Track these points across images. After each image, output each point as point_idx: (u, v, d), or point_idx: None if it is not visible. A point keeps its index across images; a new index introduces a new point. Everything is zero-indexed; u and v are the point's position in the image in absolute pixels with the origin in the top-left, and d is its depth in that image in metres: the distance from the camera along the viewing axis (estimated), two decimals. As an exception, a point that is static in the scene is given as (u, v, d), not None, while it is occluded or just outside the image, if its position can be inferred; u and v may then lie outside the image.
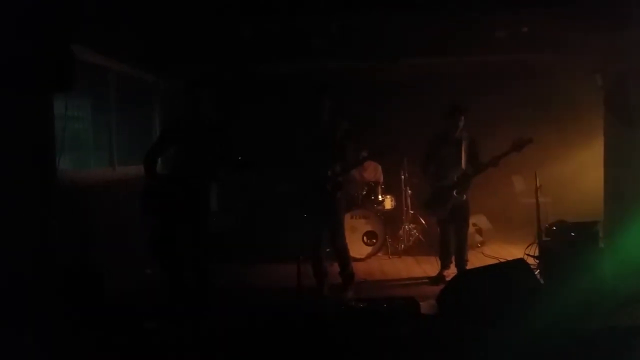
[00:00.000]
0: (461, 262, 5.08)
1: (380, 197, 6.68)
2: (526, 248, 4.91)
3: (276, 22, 5.17)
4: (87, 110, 5.43)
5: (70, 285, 3.77)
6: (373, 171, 6.89)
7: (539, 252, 4.64)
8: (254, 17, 4.93)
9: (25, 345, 3.17)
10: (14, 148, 3.69)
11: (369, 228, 6.32)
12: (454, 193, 4.95)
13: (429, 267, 5.80)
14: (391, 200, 6.78)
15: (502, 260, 4.97)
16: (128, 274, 5.03)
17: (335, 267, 4.95)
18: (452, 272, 5.15)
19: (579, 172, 6.84)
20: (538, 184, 4.83)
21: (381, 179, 6.91)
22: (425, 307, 3.94)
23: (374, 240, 6.32)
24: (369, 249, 6.30)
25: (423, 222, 6.78)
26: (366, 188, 6.66)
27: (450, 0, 4.63)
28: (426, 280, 5.27)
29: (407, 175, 6.67)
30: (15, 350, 3.08)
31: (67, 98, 4.31)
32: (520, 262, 4.00)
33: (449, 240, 5.16)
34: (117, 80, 5.74)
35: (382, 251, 6.41)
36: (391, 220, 6.78)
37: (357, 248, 6.09)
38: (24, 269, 3.55)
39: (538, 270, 4.51)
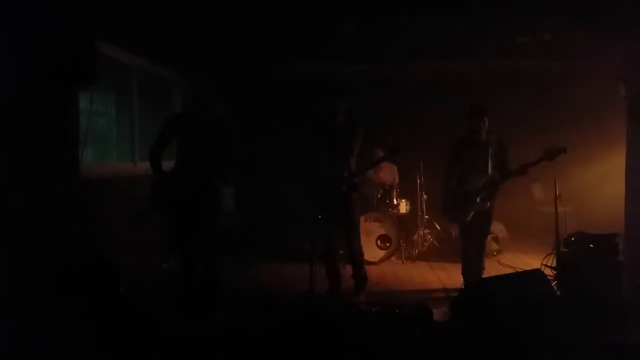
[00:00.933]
0: (478, 270, 4.91)
1: (395, 201, 6.65)
2: (544, 258, 4.85)
3: (295, 22, 5.18)
4: (111, 105, 5.52)
5: (86, 277, 3.82)
6: (389, 172, 6.86)
7: (557, 263, 4.57)
8: (274, 16, 4.94)
9: (42, 337, 3.23)
10: (39, 140, 3.76)
11: (383, 232, 6.30)
12: (478, 200, 4.70)
13: (442, 273, 5.76)
14: (406, 205, 6.75)
15: (518, 270, 4.91)
16: (145, 268, 5.09)
17: (348, 270, 4.94)
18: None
19: (601, 182, 6.73)
20: (558, 193, 4.75)
21: (397, 180, 6.88)
22: (438, 314, 3.91)
23: (388, 244, 6.30)
24: (382, 253, 6.28)
25: (438, 227, 6.74)
26: (381, 191, 6.64)
27: (472, 3, 4.57)
28: (440, 287, 5.21)
29: (422, 179, 6.63)
30: (32, 342, 3.13)
31: (92, 93, 4.37)
32: (537, 272, 3.94)
33: (472, 250, 4.89)
34: (140, 76, 5.81)
35: (395, 255, 6.39)
36: (406, 224, 6.76)
37: (371, 251, 6.07)
38: (43, 260, 3.61)
39: (555, 282, 4.44)
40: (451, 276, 5.56)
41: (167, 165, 4.26)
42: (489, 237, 6.03)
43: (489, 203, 4.75)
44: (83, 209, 4.19)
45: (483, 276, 4.95)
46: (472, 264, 4.88)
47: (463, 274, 4.94)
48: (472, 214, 4.73)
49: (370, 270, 5.04)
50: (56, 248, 3.72)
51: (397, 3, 4.53)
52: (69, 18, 3.77)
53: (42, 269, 3.51)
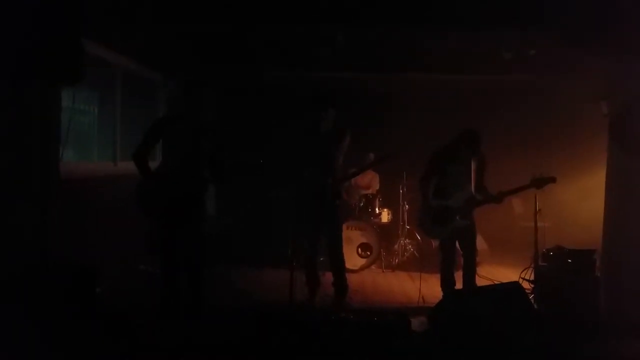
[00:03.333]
0: (471, 284, 4.66)
1: (377, 210, 6.67)
2: (522, 272, 4.88)
3: (284, 29, 5.20)
4: (94, 104, 5.45)
5: (61, 280, 3.74)
6: (370, 178, 6.87)
7: (535, 276, 4.61)
8: (263, 23, 4.95)
9: (22, 341, 3.14)
10: (20, 138, 3.68)
11: (364, 240, 6.30)
12: (457, 217, 4.60)
13: (422, 283, 5.76)
14: (388, 214, 6.77)
15: (496, 283, 4.94)
16: (122, 270, 5.01)
17: (328, 277, 4.92)
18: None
19: (580, 198, 6.81)
20: (537, 208, 4.78)
21: (377, 187, 6.89)
22: (417, 324, 3.91)
23: (369, 253, 6.30)
24: (363, 261, 6.28)
25: (419, 238, 6.75)
26: (364, 199, 6.65)
27: (458, 17, 4.62)
28: (419, 298, 5.20)
29: (405, 189, 6.66)
30: (12, 347, 3.05)
31: (75, 91, 4.31)
32: (515, 285, 3.98)
33: (452, 265, 4.76)
34: (124, 77, 5.76)
35: (375, 264, 6.39)
36: (387, 234, 6.77)
37: (351, 259, 6.07)
38: (20, 260, 3.53)
39: (533, 295, 4.48)
40: (430, 287, 5.56)
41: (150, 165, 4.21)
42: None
43: (469, 220, 4.67)
44: (62, 208, 4.11)
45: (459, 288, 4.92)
46: (451, 277, 4.77)
47: (442, 286, 4.88)
48: (449, 230, 4.63)
49: (350, 278, 5.02)
50: (34, 248, 3.63)
51: (383, 14, 4.57)
52: (55, 15, 3.72)
53: (18, 270, 3.43)
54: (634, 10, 4.06)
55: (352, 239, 6.23)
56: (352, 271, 5.98)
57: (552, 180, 4.50)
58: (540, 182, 4.48)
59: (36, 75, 3.66)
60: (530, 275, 4.73)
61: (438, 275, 5.01)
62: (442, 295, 4.82)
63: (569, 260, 4.42)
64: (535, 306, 4.23)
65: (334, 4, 4.48)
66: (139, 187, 4.07)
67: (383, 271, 6.36)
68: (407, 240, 6.72)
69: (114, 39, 5.13)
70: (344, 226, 5.95)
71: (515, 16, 4.42)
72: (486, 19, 4.50)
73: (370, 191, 6.89)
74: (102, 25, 4.59)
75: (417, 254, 6.67)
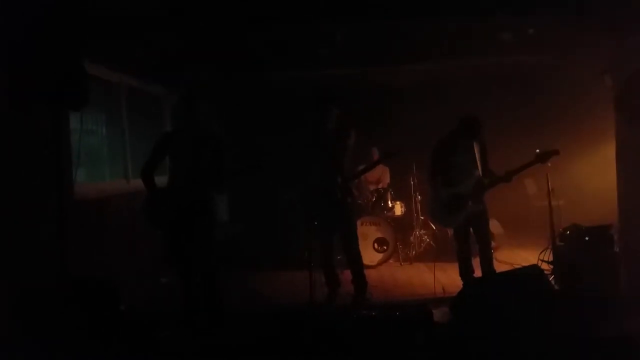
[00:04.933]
0: (489, 268, 4.70)
1: (390, 204, 6.68)
2: (540, 253, 4.88)
3: (282, 30, 5.21)
4: (101, 124, 5.51)
5: (84, 297, 3.82)
6: (380, 172, 6.87)
7: (553, 257, 4.61)
8: (261, 25, 4.97)
9: (44, 358, 3.22)
10: (33, 162, 3.76)
11: (379, 235, 6.32)
12: (470, 202, 4.63)
13: (440, 273, 5.76)
14: (401, 207, 6.78)
15: (515, 267, 4.94)
16: (143, 284, 5.08)
17: (347, 275, 4.95)
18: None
19: (592, 173, 6.78)
20: (550, 187, 4.77)
21: (388, 181, 6.89)
22: (439, 315, 3.93)
23: (385, 247, 6.32)
24: (380, 256, 6.30)
25: (434, 228, 6.76)
26: (375, 194, 6.66)
27: (455, 2, 4.60)
28: (439, 288, 5.22)
29: (416, 181, 6.65)
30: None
31: (82, 113, 4.37)
32: (535, 268, 3.97)
33: (469, 252, 4.80)
34: (129, 94, 5.82)
35: (393, 258, 6.41)
36: (401, 226, 6.77)
37: (368, 255, 6.09)
38: (42, 282, 3.61)
39: (552, 276, 4.47)
40: (449, 276, 5.58)
41: (159, 180, 4.26)
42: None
43: (481, 205, 4.70)
44: (79, 229, 4.18)
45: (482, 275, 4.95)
46: (470, 263, 4.83)
47: (460, 274, 4.91)
48: (464, 216, 4.67)
49: (369, 274, 5.05)
50: (54, 270, 3.71)
51: (379, 8, 4.56)
52: (60, 40, 3.79)
53: (41, 291, 3.51)
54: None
55: (368, 234, 6.25)
56: (370, 267, 6.00)
57: (556, 152, 4.52)
58: (545, 156, 4.50)
59: (44, 101, 3.74)
60: (548, 256, 4.73)
61: (456, 264, 5.02)
62: (462, 284, 4.85)
63: (586, 238, 4.41)
64: (556, 287, 4.23)
65: (331, 1, 4.48)
66: (145, 202, 4.13)
67: (401, 264, 6.38)
68: (423, 231, 6.73)
69: (115, 58, 5.19)
70: (358, 222, 5.98)
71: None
72: (484, 5, 4.48)
73: (381, 186, 6.90)
74: (101, 46, 4.64)
75: (433, 244, 6.68)
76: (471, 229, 4.80)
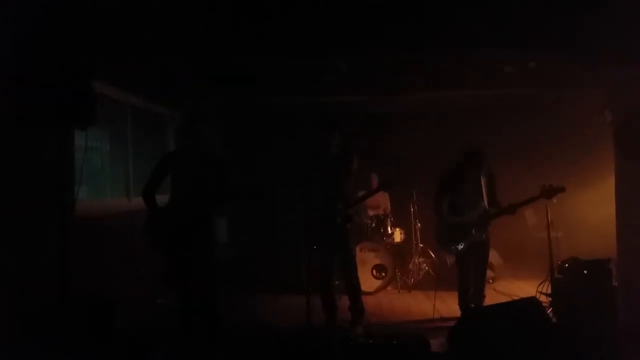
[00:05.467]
0: (479, 299, 4.88)
1: (389, 230, 6.68)
2: (539, 285, 4.87)
3: (287, 59, 5.30)
4: (105, 142, 5.55)
5: (82, 314, 3.81)
6: (377, 199, 6.89)
7: (552, 289, 4.60)
8: (266, 53, 5.05)
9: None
10: (36, 179, 3.79)
11: (378, 261, 6.30)
12: (473, 231, 4.75)
13: (439, 303, 5.74)
14: (400, 233, 6.78)
15: (514, 298, 4.92)
16: (141, 304, 5.05)
17: (344, 301, 4.93)
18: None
19: (591, 207, 6.79)
20: (550, 220, 4.80)
21: (389, 207, 6.91)
22: (436, 345, 3.90)
23: (384, 274, 6.30)
24: (378, 283, 6.28)
25: (433, 256, 6.75)
26: (375, 220, 6.68)
27: (459, 35, 4.69)
28: (437, 317, 5.20)
29: (416, 208, 6.68)
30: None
31: (87, 130, 4.42)
32: (533, 300, 3.96)
33: (469, 280, 4.89)
34: (133, 113, 5.88)
35: (391, 285, 6.38)
36: (400, 253, 6.77)
37: (366, 281, 6.07)
38: (41, 298, 3.60)
39: (551, 309, 4.46)
40: (448, 305, 5.56)
41: (160, 199, 4.28)
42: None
43: (484, 234, 4.79)
44: (79, 246, 4.18)
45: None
46: (469, 293, 4.88)
47: (459, 303, 4.93)
48: (466, 245, 4.77)
49: (366, 301, 5.03)
50: (54, 287, 3.71)
51: (384, 38, 4.65)
52: (68, 58, 3.85)
53: (40, 307, 3.50)
54: (632, 21, 4.12)
55: (366, 260, 6.24)
56: (368, 293, 5.97)
57: (562, 189, 4.57)
58: (550, 192, 4.56)
59: (51, 118, 3.78)
60: (547, 288, 4.72)
61: (454, 294, 5.02)
62: (460, 314, 4.84)
63: (585, 272, 4.41)
64: (554, 320, 4.21)
65: (337, 33, 4.57)
66: (146, 221, 4.15)
67: (399, 292, 6.35)
68: (422, 259, 6.72)
69: (121, 78, 5.27)
70: (357, 248, 5.97)
71: (517, 34, 4.48)
72: (488, 38, 4.56)
73: (380, 211, 6.91)
74: (109, 66, 4.72)
75: (432, 273, 6.66)
76: (472, 258, 4.85)
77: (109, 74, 4.96)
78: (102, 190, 5.58)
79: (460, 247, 4.78)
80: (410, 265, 6.65)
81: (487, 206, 4.77)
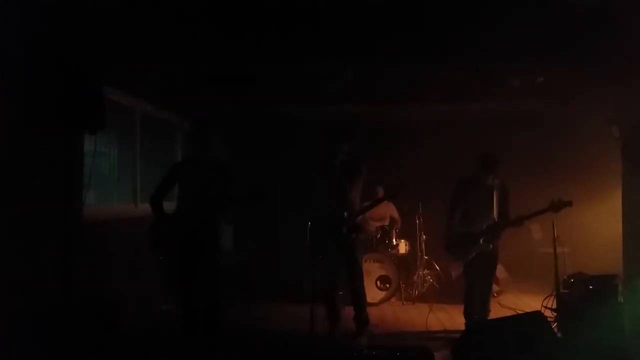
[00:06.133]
0: (485, 310, 4.87)
1: (394, 241, 6.67)
2: (544, 300, 4.85)
3: (294, 66, 5.34)
4: (113, 147, 5.60)
5: (88, 318, 3.82)
6: (383, 211, 6.88)
7: (557, 304, 4.57)
8: (274, 61, 5.09)
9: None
10: (45, 183, 3.83)
11: (382, 272, 6.29)
12: (481, 241, 4.75)
13: (443, 315, 5.73)
14: (405, 245, 6.76)
15: (519, 312, 4.89)
16: (145, 309, 5.07)
17: (348, 311, 4.92)
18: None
19: (598, 222, 6.76)
20: (556, 235, 4.78)
21: (397, 216, 6.89)
22: (440, 357, 3.88)
23: (388, 285, 6.28)
24: (382, 294, 6.26)
25: (437, 268, 6.73)
26: (380, 231, 6.67)
27: (468, 49, 4.72)
28: (441, 329, 5.17)
29: (422, 220, 6.67)
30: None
31: (96, 135, 4.47)
32: (538, 314, 3.94)
33: (476, 292, 4.87)
34: (143, 119, 5.93)
35: (395, 296, 6.36)
36: (405, 265, 6.75)
37: (371, 292, 6.01)
38: (47, 301, 3.63)
39: (556, 324, 4.43)
40: (452, 318, 5.53)
41: (167, 205, 4.31)
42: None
43: (492, 245, 4.79)
44: (85, 250, 4.21)
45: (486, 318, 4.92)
46: (475, 304, 4.86)
47: (465, 314, 4.92)
48: (474, 254, 4.76)
49: (370, 312, 5.01)
50: (60, 290, 3.73)
51: (392, 48, 4.68)
52: (79, 63, 3.91)
53: (46, 310, 3.52)
54: (637, 37, 4.14)
55: (371, 271, 6.22)
56: (372, 304, 5.94)
57: (569, 204, 4.58)
58: (558, 206, 4.57)
59: (62, 123, 3.83)
60: (552, 303, 4.69)
61: (458, 306, 5.00)
62: (465, 326, 4.82)
63: (591, 287, 4.39)
64: (559, 335, 4.18)
65: (345, 41, 4.61)
66: (152, 227, 4.18)
67: (403, 303, 6.32)
68: (426, 271, 6.69)
69: (131, 84, 5.32)
70: (362, 259, 5.96)
71: (526, 48, 4.51)
72: (497, 52, 4.59)
73: (386, 222, 6.90)
74: (120, 72, 4.77)
75: (436, 285, 6.63)
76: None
77: (120, 80, 5.02)
78: (109, 196, 5.62)
79: (468, 256, 4.77)
80: (415, 277, 6.63)
81: (496, 218, 4.79)
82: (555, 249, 4.71)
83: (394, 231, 6.72)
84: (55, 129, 3.89)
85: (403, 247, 6.73)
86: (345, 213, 4.67)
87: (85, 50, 4.04)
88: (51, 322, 3.48)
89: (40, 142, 3.83)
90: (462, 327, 4.89)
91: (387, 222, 6.86)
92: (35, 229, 3.71)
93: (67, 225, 3.97)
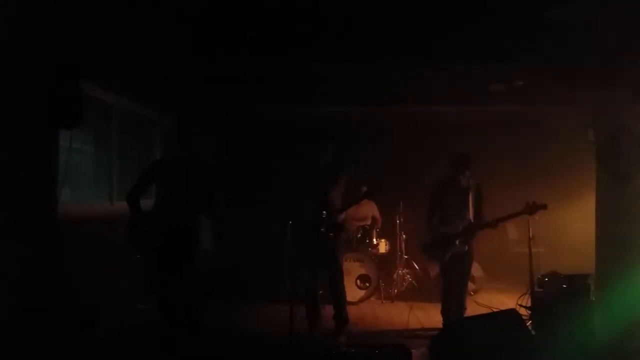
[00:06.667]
0: (460, 309, 4.93)
1: (375, 241, 6.71)
2: (519, 298, 4.93)
3: (281, 66, 5.33)
4: (90, 144, 5.51)
5: (63, 319, 3.76)
6: (365, 210, 6.92)
7: (531, 302, 4.66)
8: (259, 60, 5.07)
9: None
10: (19, 180, 3.74)
11: (362, 271, 6.32)
12: (456, 242, 4.82)
13: (421, 313, 5.79)
14: (385, 244, 6.81)
15: (494, 310, 4.97)
16: (121, 309, 5.00)
17: (328, 310, 4.93)
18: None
19: (572, 223, 6.91)
20: (531, 235, 4.87)
21: (378, 215, 6.93)
22: (417, 355, 3.92)
23: (367, 284, 6.32)
24: (362, 293, 6.29)
25: (417, 267, 6.79)
26: (361, 230, 6.70)
27: (449, 53, 4.78)
28: (419, 328, 5.23)
29: (402, 220, 6.72)
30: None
31: (72, 131, 4.39)
32: (513, 312, 4.01)
33: (453, 292, 4.94)
34: (120, 116, 5.85)
35: (375, 295, 6.40)
36: (385, 264, 6.79)
37: (350, 291, 6.04)
38: (20, 302, 3.55)
39: (530, 321, 4.52)
40: (430, 316, 5.60)
41: (144, 203, 4.26)
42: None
43: (467, 246, 4.86)
44: (59, 248, 4.14)
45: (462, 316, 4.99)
46: (452, 304, 4.94)
47: (442, 313, 4.98)
48: (450, 255, 4.83)
49: (350, 311, 5.03)
50: (33, 290, 3.66)
51: (378, 52, 4.71)
52: (56, 58, 3.84)
53: (18, 311, 3.45)
54: (616, 44, 4.24)
55: (351, 270, 6.25)
56: (352, 303, 5.97)
57: (544, 207, 4.66)
58: (533, 209, 4.64)
59: (37, 119, 3.75)
60: (527, 301, 4.78)
61: (437, 305, 5.06)
62: (442, 324, 4.88)
63: (564, 286, 4.48)
64: (533, 332, 4.26)
65: (330, 43, 4.62)
66: (129, 226, 4.12)
67: (382, 302, 6.37)
68: (405, 270, 6.75)
69: (110, 79, 5.24)
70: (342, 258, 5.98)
71: (505, 53, 4.58)
72: (476, 56, 4.65)
73: (367, 222, 6.93)
74: (98, 67, 4.70)
75: (415, 284, 6.70)
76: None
77: (97, 74, 4.93)
78: (85, 193, 5.53)
79: (443, 256, 4.84)
80: (394, 276, 6.68)
81: (472, 219, 4.85)
82: (530, 249, 4.79)
83: (374, 231, 6.76)
84: (30, 124, 3.81)
85: (383, 247, 6.78)
86: (325, 212, 4.69)
87: (64, 44, 3.97)
88: (24, 323, 3.41)
89: (14, 137, 3.75)
90: (440, 325, 4.96)
91: (369, 222, 6.90)
92: (6, 226, 3.62)
93: (41, 223, 3.89)
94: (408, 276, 6.73)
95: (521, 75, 5.47)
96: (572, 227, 6.88)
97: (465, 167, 4.86)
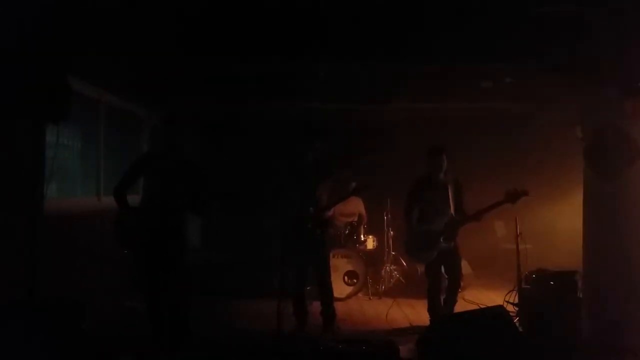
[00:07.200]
0: (452, 305, 4.88)
1: (362, 237, 6.72)
2: (506, 295, 4.96)
3: (269, 64, 5.31)
4: (77, 139, 5.45)
5: (50, 315, 3.71)
6: (354, 205, 6.92)
7: (519, 299, 4.68)
8: (248, 58, 5.05)
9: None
10: (4, 175, 3.69)
11: (350, 268, 6.32)
12: (441, 240, 4.77)
13: (409, 310, 5.81)
14: (373, 241, 6.82)
15: (482, 307, 5.00)
16: (109, 306, 4.96)
17: (315, 306, 4.93)
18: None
19: (560, 220, 6.95)
20: (519, 231, 4.89)
21: (364, 213, 6.93)
22: (405, 351, 3.93)
23: (355, 280, 6.32)
24: (349, 289, 6.29)
25: (404, 264, 6.81)
26: (349, 227, 6.70)
27: (438, 50, 4.78)
28: (407, 324, 5.24)
29: (389, 216, 6.73)
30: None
31: (59, 126, 4.34)
32: (500, 309, 4.03)
33: (439, 289, 4.91)
34: (108, 112, 5.79)
35: (362, 291, 6.41)
36: (372, 260, 6.80)
37: (338, 288, 6.04)
38: (6, 297, 3.51)
39: (517, 318, 4.54)
40: (417, 313, 5.61)
41: (130, 199, 4.22)
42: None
43: (453, 242, 4.84)
44: (48, 244, 4.09)
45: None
46: (438, 301, 4.92)
47: (429, 310, 4.98)
48: (436, 254, 4.79)
49: (337, 307, 5.03)
50: (20, 285, 3.61)
51: (364, 49, 4.70)
52: (43, 52, 3.78)
53: (5, 308, 3.40)
54: (605, 42, 4.27)
55: (338, 266, 6.25)
56: (339, 299, 5.96)
57: (525, 193, 4.63)
58: (514, 196, 4.60)
59: (23, 114, 3.70)
60: (514, 298, 4.81)
61: (424, 301, 5.07)
62: (430, 321, 4.89)
63: (551, 282, 4.51)
64: (520, 329, 4.29)
65: (318, 40, 4.61)
66: (117, 222, 4.09)
67: (370, 298, 6.38)
68: (393, 267, 6.76)
69: (97, 75, 5.19)
70: (330, 254, 5.98)
71: (494, 50, 4.59)
72: (466, 52, 4.66)
73: (355, 218, 6.94)
74: (86, 62, 4.65)
75: (403, 280, 6.71)
76: (442, 267, 4.91)
77: (85, 70, 4.88)
78: (72, 189, 5.47)
79: (428, 255, 4.80)
80: (382, 273, 6.69)
81: (454, 214, 4.82)
82: (517, 246, 4.83)
83: (361, 227, 6.77)
84: (17, 118, 3.76)
85: (371, 243, 6.79)
86: (311, 209, 4.69)
87: (51, 38, 3.91)
88: (11, 319, 3.36)
89: (0, 132, 3.70)
90: (428, 321, 4.97)
91: (355, 219, 6.90)
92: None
93: (28, 219, 3.84)
94: (395, 272, 6.75)
95: (510, 72, 5.50)
96: (559, 224, 6.92)
97: (437, 159, 4.77)
